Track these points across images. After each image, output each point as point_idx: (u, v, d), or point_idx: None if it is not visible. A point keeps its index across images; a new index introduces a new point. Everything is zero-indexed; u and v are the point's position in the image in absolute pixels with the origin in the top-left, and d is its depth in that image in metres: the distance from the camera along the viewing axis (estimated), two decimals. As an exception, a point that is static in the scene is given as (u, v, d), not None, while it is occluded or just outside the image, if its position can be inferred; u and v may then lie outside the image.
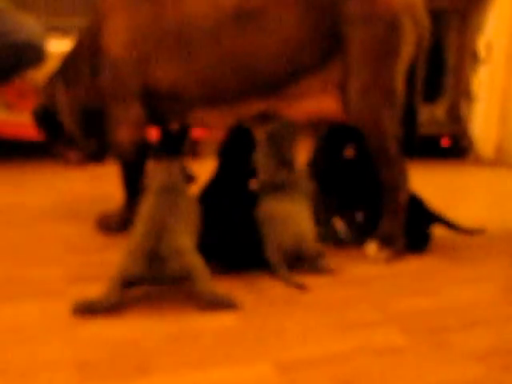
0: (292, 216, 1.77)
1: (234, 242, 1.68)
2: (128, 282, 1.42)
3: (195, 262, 1.44)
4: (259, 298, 1.55)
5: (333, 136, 2.07)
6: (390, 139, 1.85)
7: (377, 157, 1.87)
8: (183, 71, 1.93)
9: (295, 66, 1.87)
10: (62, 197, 2.66)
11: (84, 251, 1.87)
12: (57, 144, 2.22)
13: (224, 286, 1.61)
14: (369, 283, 1.68)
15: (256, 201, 1.86)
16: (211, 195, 1.82)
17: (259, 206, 1.84)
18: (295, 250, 1.71)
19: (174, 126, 2.09)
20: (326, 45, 1.84)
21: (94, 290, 1.53)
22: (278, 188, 1.85)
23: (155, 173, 1.73)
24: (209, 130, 2.09)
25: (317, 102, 1.93)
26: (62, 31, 3.69)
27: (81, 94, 2.07)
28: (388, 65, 1.81)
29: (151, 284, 1.44)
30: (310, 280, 1.68)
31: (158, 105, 2.02)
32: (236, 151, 1.91)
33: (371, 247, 1.89)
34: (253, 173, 1.91)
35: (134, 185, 2.08)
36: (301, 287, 1.60)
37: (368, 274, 1.75)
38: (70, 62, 2.09)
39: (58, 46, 3.33)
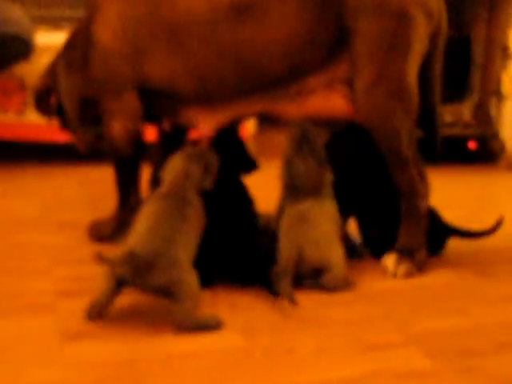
0: (320, 222, 1.78)
1: (232, 251, 1.70)
2: (118, 284, 1.44)
3: (187, 278, 1.45)
4: (268, 314, 1.55)
5: (338, 141, 2.09)
6: (402, 139, 1.86)
7: (389, 159, 1.89)
8: (178, 66, 1.94)
9: (298, 62, 1.88)
10: (47, 203, 2.67)
11: (73, 263, 1.88)
12: (62, 121, 2.25)
13: (225, 301, 1.62)
14: (388, 300, 1.68)
15: (249, 202, 1.87)
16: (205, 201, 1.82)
17: (282, 210, 1.85)
18: (317, 261, 1.72)
19: (166, 125, 2.11)
20: (331, 39, 1.85)
21: (81, 306, 1.52)
22: (309, 192, 1.85)
23: (172, 165, 1.74)
24: (204, 131, 2.10)
25: (323, 100, 1.94)
26: (51, 23, 3.72)
27: (78, 82, 2.10)
28: (398, 59, 1.82)
29: (136, 289, 1.45)
30: (323, 296, 1.69)
31: (151, 101, 2.04)
32: (225, 151, 1.91)
33: (389, 260, 1.89)
34: (240, 171, 1.93)
35: (127, 186, 2.09)
36: (293, 302, 1.57)
37: (387, 290, 1.75)
38: (69, 47, 2.13)
39: (47, 39, 3.35)
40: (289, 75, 1.91)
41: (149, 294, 1.46)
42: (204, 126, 2.04)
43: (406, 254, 1.88)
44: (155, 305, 1.57)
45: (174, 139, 2.28)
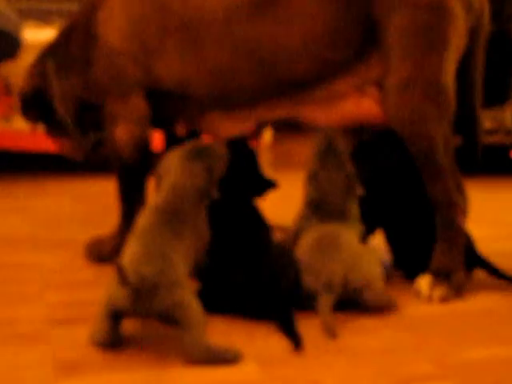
0: (352, 243, 1.79)
1: (245, 281, 1.67)
2: (117, 315, 1.45)
3: (190, 300, 1.45)
4: (288, 343, 1.55)
5: (365, 150, 2.09)
6: (437, 146, 1.85)
7: (423, 168, 1.88)
8: (191, 66, 1.96)
9: (323, 62, 1.89)
10: (39, 220, 2.68)
11: (69, 287, 1.88)
12: (50, 128, 2.25)
13: (240, 328, 1.61)
14: (422, 327, 1.67)
15: (264, 224, 1.85)
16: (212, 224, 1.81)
17: (301, 231, 1.86)
18: (359, 281, 1.72)
19: (181, 131, 2.11)
20: (360, 36, 1.86)
21: (82, 335, 1.54)
22: (335, 211, 1.87)
23: (169, 165, 1.74)
24: (221, 138, 2.10)
25: (354, 105, 1.95)
26: (40, 17, 3.72)
27: (74, 84, 2.11)
28: (432, 57, 1.82)
29: (138, 317, 1.45)
30: (349, 322, 1.68)
31: (164, 106, 2.05)
32: (235, 169, 1.90)
33: (423, 283, 1.88)
34: (259, 189, 1.93)
35: (131, 200, 2.09)
36: (332, 333, 1.58)
37: (420, 316, 1.74)
38: (62, 45, 2.13)
39: (36, 35, 3.35)
40: (314, 77, 1.92)
41: (151, 320, 1.46)
42: (225, 133, 2.05)
43: (441, 275, 1.87)
44: (161, 331, 1.57)
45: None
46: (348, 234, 1.82)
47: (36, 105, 2.21)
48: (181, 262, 1.52)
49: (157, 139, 2.31)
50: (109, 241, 2.12)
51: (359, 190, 1.90)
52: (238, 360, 1.43)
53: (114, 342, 1.47)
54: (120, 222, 2.11)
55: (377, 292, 1.75)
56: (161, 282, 1.42)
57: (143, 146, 2.05)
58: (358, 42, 1.87)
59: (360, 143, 2.11)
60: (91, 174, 3.63)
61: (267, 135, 4.02)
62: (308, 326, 1.64)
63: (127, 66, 1.99)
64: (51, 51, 2.15)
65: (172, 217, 1.61)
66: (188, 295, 1.46)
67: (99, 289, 1.85)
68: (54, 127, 2.24)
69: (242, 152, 1.94)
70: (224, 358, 1.42)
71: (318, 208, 1.87)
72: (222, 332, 1.59)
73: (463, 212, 1.90)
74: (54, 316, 1.67)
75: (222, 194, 1.81)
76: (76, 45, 2.09)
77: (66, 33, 2.13)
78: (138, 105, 2.02)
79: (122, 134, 2.03)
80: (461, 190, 1.92)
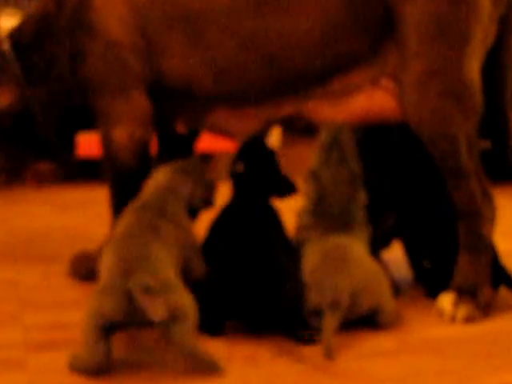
0: (363, 258, 1.82)
1: (258, 293, 1.69)
2: (106, 330, 1.46)
3: (184, 300, 1.49)
4: (293, 368, 1.56)
5: (375, 140, 2.11)
6: (460, 148, 1.87)
7: (445, 172, 1.90)
8: (195, 60, 1.98)
9: (337, 55, 1.92)
10: (17, 233, 2.69)
11: (49, 307, 1.89)
12: (24, 156, 2.23)
13: (242, 353, 1.63)
14: (445, 350, 1.68)
15: (281, 233, 1.88)
16: (224, 229, 1.85)
17: (305, 242, 1.88)
18: (372, 304, 1.75)
19: (181, 130, 2.13)
20: (375, 26, 1.89)
21: (62, 361, 1.53)
22: (338, 215, 1.89)
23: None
24: (231, 138, 2.13)
25: (368, 99, 1.97)
26: (16, 4, 3.75)
27: (56, 87, 2.11)
28: (453, 51, 1.84)
29: (132, 327, 1.50)
30: (365, 344, 1.70)
31: (165, 104, 2.07)
32: (252, 169, 1.94)
33: (446, 301, 1.89)
34: (278, 192, 1.95)
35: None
36: (329, 353, 1.57)
37: (443, 338, 1.75)
38: (32, 42, 2.11)
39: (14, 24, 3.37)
40: (326, 71, 1.95)
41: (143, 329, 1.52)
42: (231, 132, 2.08)
43: (466, 292, 1.88)
44: (151, 358, 1.58)
45: (178, 150, 2.27)
46: (358, 247, 1.84)
47: (7, 126, 2.18)
48: (167, 261, 1.57)
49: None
50: (96, 256, 2.04)
51: (363, 195, 1.92)
52: (218, 369, 1.49)
53: (101, 365, 1.47)
54: (111, 233, 2.11)
55: (389, 314, 1.78)
56: (154, 285, 1.45)
57: (144, 150, 2.04)
58: (373, 33, 1.90)
59: (367, 130, 2.12)
60: (75, 180, 3.63)
61: (275, 138, 4.04)
62: (318, 350, 1.64)
63: (129, 59, 1.99)
64: (17, 56, 2.12)
65: (151, 214, 1.67)
66: (183, 299, 1.50)
67: (82, 310, 1.85)
68: (30, 151, 2.22)
69: (260, 152, 1.97)
70: (206, 364, 1.48)
71: (319, 214, 1.90)
72: (222, 357, 1.58)
73: (490, 222, 1.91)
74: (32, 340, 1.67)
75: (239, 195, 1.89)
76: (57, 39, 2.07)
77: (35, 27, 2.11)
78: (140, 102, 2.02)
79: (121, 135, 2.01)
80: (488, 198, 1.92)
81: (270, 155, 1.97)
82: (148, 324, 1.46)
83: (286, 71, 1.95)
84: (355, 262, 1.77)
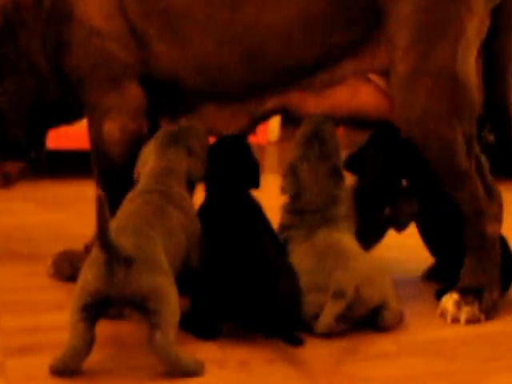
0: (358, 252, 1.82)
1: (251, 293, 1.66)
2: (91, 309, 1.47)
3: (170, 290, 1.50)
4: (286, 368, 1.56)
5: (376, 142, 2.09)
6: (456, 148, 1.85)
7: (442, 175, 1.89)
8: (177, 55, 1.98)
9: (321, 48, 1.91)
10: (-3, 230, 2.68)
11: (29, 310, 1.87)
12: None
13: (234, 358, 1.61)
14: (446, 352, 1.67)
15: (263, 222, 1.88)
16: (208, 229, 1.84)
17: (291, 242, 1.88)
18: (377, 299, 1.74)
19: (166, 124, 2.11)
20: (362, 19, 1.88)
21: (43, 367, 1.51)
22: (321, 211, 1.89)
23: (146, 155, 1.81)
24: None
25: (354, 93, 1.97)
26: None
27: (27, 82, 2.09)
28: (444, 45, 1.82)
29: (113, 307, 1.53)
30: (364, 347, 1.69)
31: (156, 99, 2.05)
32: (224, 163, 1.95)
33: (449, 302, 1.88)
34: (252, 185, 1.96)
35: (114, 208, 2.02)
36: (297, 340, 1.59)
37: (444, 340, 1.75)
38: (0, 33, 2.09)
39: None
40: (310, 64, 1.94)
41: (124, 309, 1.58)
42: (220, 129, 2.06)
43: (470, 293, 1.87)
44: (134, 362, 1.57)
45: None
46: (352, 242, 1.85)
47: None
48: (165, 246, 1.58)
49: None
50: (81, 256, 2.07)
51: (345, 190, 1.93)
52: (201, 373, 1.49)
53: (83, 353, 1.47)
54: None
55: (394, 312, 1.76)
56: (138, 257, 1.46)
57: (137, 144, 2.01)
58: (360, 26, 1.89)
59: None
60: (60, 175, 3.62)
61: (274, 131, 4.04)
62: (316, 353, 1.65)
63: (114, 48, 1.98)
64: None
65: (154, 197, 1.69)
66: (169, 285, 1.51)
67: (68, 312, 1.81)
68: None
69: (232, 142, 1.99)
70: (188, 369, 1.48)
71: (299, 211, 1.90)
72: (214, 361, 1.59)
73: (496, 220, 1.91)
74: (10, 344, 1.66)
75: (214, 190, 1.90)
76: (29, 29, 2.05)
77: (5, 16, 2.08)
78: (132, 93, 2.00)
79: (112, 128, 1.99)
80: (493, 196, 1.93)
81: (241, 143, 1.99)
82: (128, 300, 1.47)
83: (266, 65, 1.94)
84: (355, 257, 1.77)
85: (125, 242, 1.48)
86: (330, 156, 1.92)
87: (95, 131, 2.02)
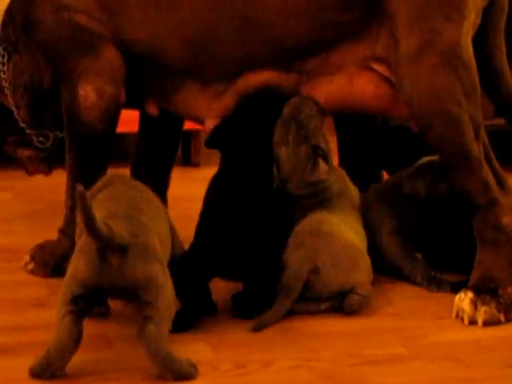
0: (341, 236, 1.87)
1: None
2: (80, 302, 1.47)
3: (166, 282, 1.53)
4: (289, 370, 1.56)
5: None
6: (464, 128, 1.85)
7: (449, 159, 1.90)
8: (161, 24, 1.97)
9: (321, 26, 1.92)
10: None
11: (10, 307, 1.87)
12: (6, 142, 2.25)
13: (230, 352, 1.63)
14: (461, 357, 1.65)
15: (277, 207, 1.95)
16: (215, 200, 1.90)
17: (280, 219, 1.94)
18: (337, 284, 1.82)
19: (153, 110, 2.10)
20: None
21: (25, 367, 1.50)
22: (309, 194, 1.94)
23: None
24: (198, 122, 2.14)
25: (350, 81, 1.98)
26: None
27: (26, 64, 2.11)
28: (450, 24, 1.84)
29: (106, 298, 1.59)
30: (371, 349, 1.68)
31: (134, 78, 2.04)
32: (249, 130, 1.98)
33: (464, 301, 1.85)
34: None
35: (90, 177, 1.96)
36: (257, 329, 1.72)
37: (459, 343, 1.73)
38: (7, 21, 2.14)
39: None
40: (308, 42, 1.94)
41: (117, 300, 1.62)
42: (199, 113, 2.06)
43: (486, 292, 1.85)
44: (122, 360, 1.59)
45: (163, 127, 2.29)
46: (336, 222, 1.91)
47: None
48: (156, 234, 1.60)
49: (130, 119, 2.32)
50: (59, 243, 2.10)
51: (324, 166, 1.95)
52: (194, 376, 1.50)
53: (69, 349, 1.47)
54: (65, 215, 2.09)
55: (360, 298, 1.84)
56: (132, 244, 1.48)
57: (114, 112, 2.02)
58: (361, 4, 1.89)
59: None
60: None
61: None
62: (318, 356, 1.63)
63: (88, 22, 1.98)
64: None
65: (132, 181, 1.76)
66: (164, 275, 1.53)
67: (49, 310, 1.80)
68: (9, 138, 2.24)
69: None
70: (180, 371, 1.48)
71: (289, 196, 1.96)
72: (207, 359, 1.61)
73: (510, 211, 1.89)
74: None
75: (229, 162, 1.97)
76: (16, 9, 2.09)
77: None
78: (108, 56, 2.00)
79: (88, 91, 1.99)
80: (504, 186, 1.92)
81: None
82: (122, 291, 1.49)
83: (262, 38, 1.94)
84: (325, 237, 1.85)
85: (118, 228, 1.48)
86: (308, 137, 1.94)
87: (70, 96, 2.02)
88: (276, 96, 1.99)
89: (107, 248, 1.45)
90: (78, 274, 1.47)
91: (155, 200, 1.75)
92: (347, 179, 2.06)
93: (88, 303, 1.50)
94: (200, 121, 2.10)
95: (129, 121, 2.41)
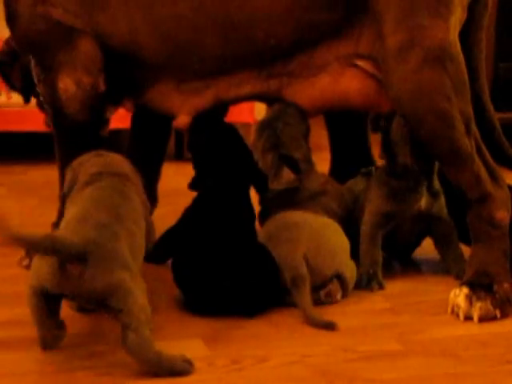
0: (312, 223, 1.91)
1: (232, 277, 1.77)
2: (47, 297, 1.50)
3: (133, 287, 1.49)
4: (284, 366, 1.55)
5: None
6: (455, 122, 1.86)
7: (440, 157, 1.91)
8: (138, 18, 1.96)
9: (304, 26, 1.92)
10: (-35, 218, 2.65)
11: (6, 300, 1.89)
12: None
13: (226, 349, 1.63)
14: (456, 353, 1.66)
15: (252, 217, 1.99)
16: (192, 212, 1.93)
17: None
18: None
19: (128, 107, 2.14)
20: None
21: (20, 361, 1.53)
22: (287, 202, 1.98)
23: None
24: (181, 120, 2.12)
25: (335, 79, 1.98)
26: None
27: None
28: (438, 18, 1.84)
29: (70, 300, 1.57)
30: (368, 346, 1.68)
31: (111, 73, 2.04)
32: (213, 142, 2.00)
33: (459, 297, 1.85)
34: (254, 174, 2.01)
35: None
36: (330, 327, 1.72)
37: (454, 339, 1.74)
38: None
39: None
40: (291, 43, 1.95)
41: (84, 306, 1.61)
42: (174, 110, 2.07)
43: (481, 287, 1.85)
44: (115, 355, 1.57)
45: (154, 122, 2.30)
46: (311, 213, 1.95)
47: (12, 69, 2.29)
48: (128, 234, 1.59)
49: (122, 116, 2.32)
50: None
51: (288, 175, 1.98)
52: (189, 372, 1.50)
53: (50, 340, 1.54)
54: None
55: (344, 285, 1.89)
56: (93, 253, 1.46)
57: (95, 100, 2.03)
58: (344, 3, 1.89)
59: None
60: (32, 160, 3.60)
61: (260, 111, 4.03)
62: (313, 351, 1.63)
63: (64, 17, 1.99)
64: None
65: (115, 179, 1.73)
66: (131, 281, 1.50)
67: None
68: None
69: (222, 131, 2.02)
70: (173, 368, 1.49)
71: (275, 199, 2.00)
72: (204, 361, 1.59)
73: (504, 205, 1.89)
74: None
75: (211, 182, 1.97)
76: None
77: None
78: (85, 47, 2.01)
79: (67, 83, 2.02)
80: (497, 180, 1.92)
81: (233, 135, 2.03)
82: (86, 298, 1.50)
83: (244, 39, 1.94)
84: (298, 227, 1.89)
85: (83, 236, 1.48)
86: (277, 146, 1.98)
87: (50, 89, 2.04)
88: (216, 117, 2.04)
89: (65, 258, 1.45)
90: (41, 279, 1.48)
91: (135, 200, 1.73)
92: (331, 186, 2.10)
93: (56, 300, 1.52)
94: (173, 116, 2.11)
95: (124, 116, 2.44)
